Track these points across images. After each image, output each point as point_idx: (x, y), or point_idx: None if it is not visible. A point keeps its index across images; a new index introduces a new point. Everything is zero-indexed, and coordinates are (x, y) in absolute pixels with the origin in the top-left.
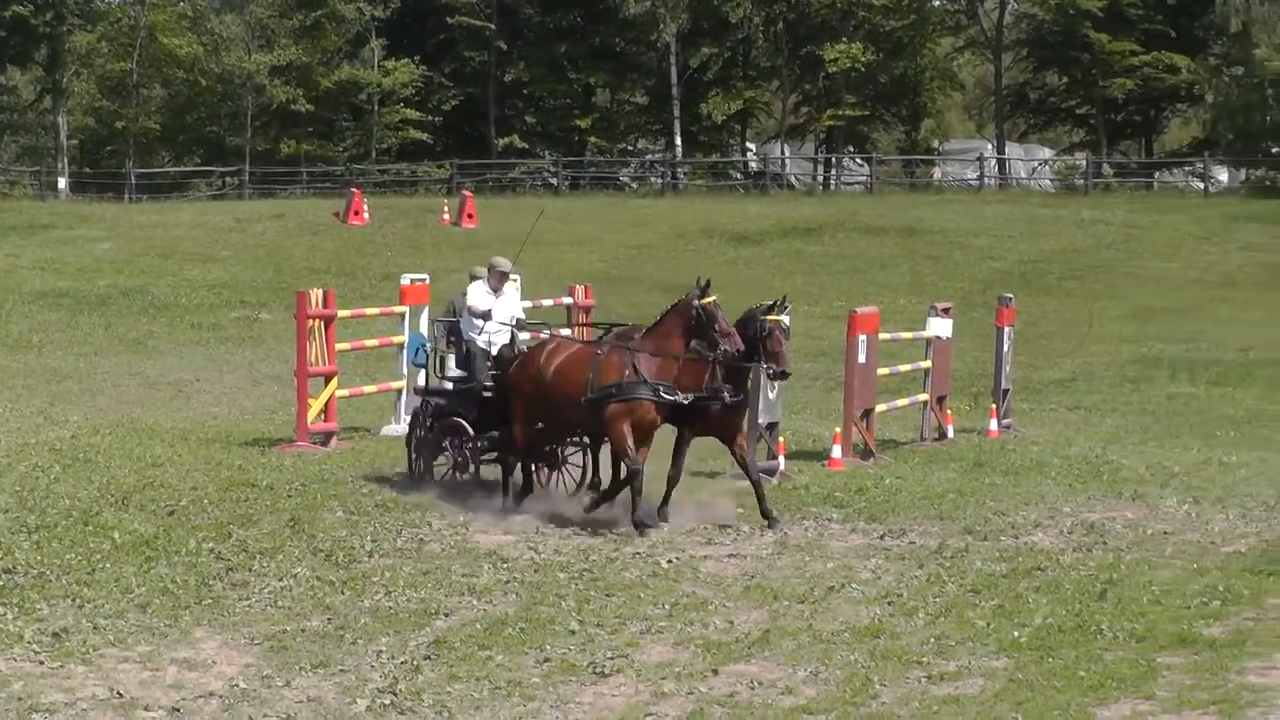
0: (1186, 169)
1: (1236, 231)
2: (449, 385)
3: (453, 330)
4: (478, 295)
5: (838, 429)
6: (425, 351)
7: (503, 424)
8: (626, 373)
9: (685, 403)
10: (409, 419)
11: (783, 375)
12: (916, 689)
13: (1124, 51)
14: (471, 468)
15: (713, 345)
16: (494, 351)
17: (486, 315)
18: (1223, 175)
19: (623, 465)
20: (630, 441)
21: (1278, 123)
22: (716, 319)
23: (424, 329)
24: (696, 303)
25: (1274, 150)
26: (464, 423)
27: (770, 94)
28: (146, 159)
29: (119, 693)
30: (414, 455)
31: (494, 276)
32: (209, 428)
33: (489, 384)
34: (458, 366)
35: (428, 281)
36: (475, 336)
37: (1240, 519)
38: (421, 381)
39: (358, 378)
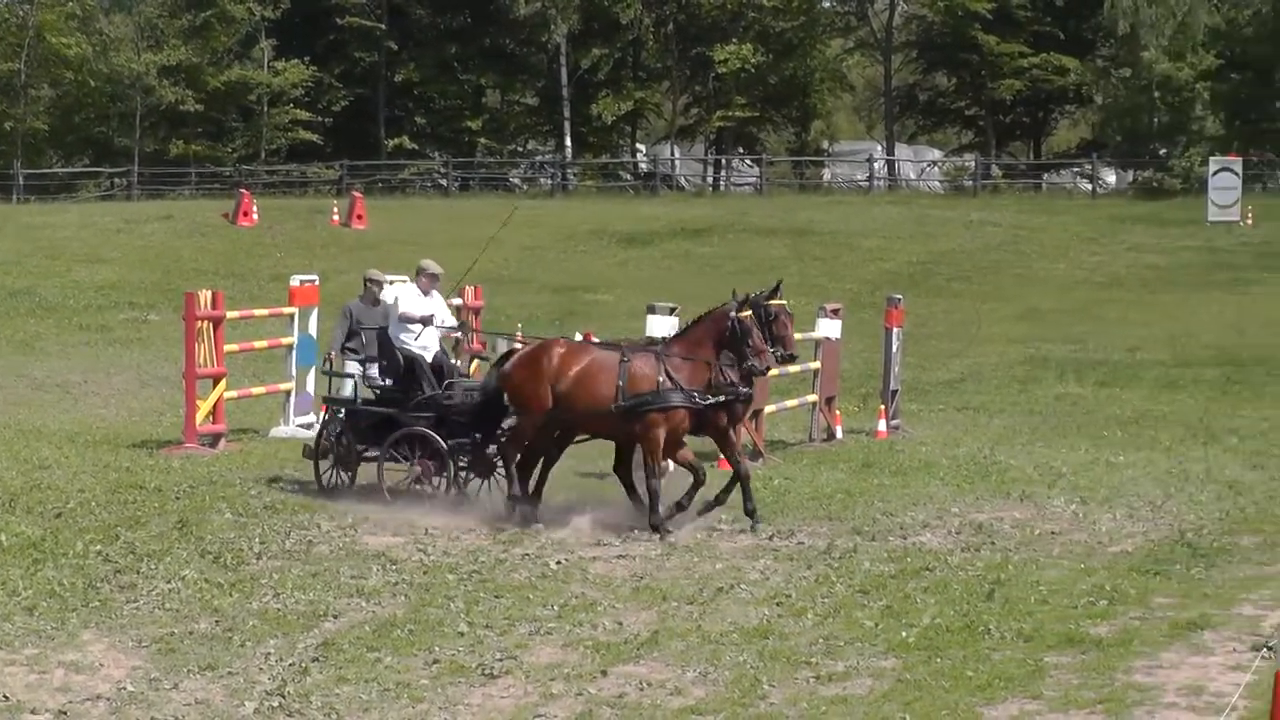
0: (1074, 170)
1: (1124, 233)
2: (372, 394)
3: (350, 337)
4: (413, 301)
5: None
6: (330, 361)
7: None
8: (661, 380)
9: (716, 404)
10: (318, 429)
11: (790, 358)
12: (805, 689)
13: (1013, 53)
14: (443, 478)
15: (742, 359)
16: (429, 358)
17: (428, 320)
18: (1110, 177)
19: (647, 471)
20: (661, 451)
21: (1165, 124)
22: (752, 334)
23: (314, 331)
24: (734, 315)
25: (1161, 152)
26: (432, 433)
27: (660, 95)
28: (34, 159)
29: (5, 696)
30: (331, 467)
31: (424, 279)
32: (97, 430)
33: (441, 392)
34: (386, 375)
35: (317, 283)
36: (410, 343)
37: (1127, 519)
38: (315, 388)
39: (246, 379)
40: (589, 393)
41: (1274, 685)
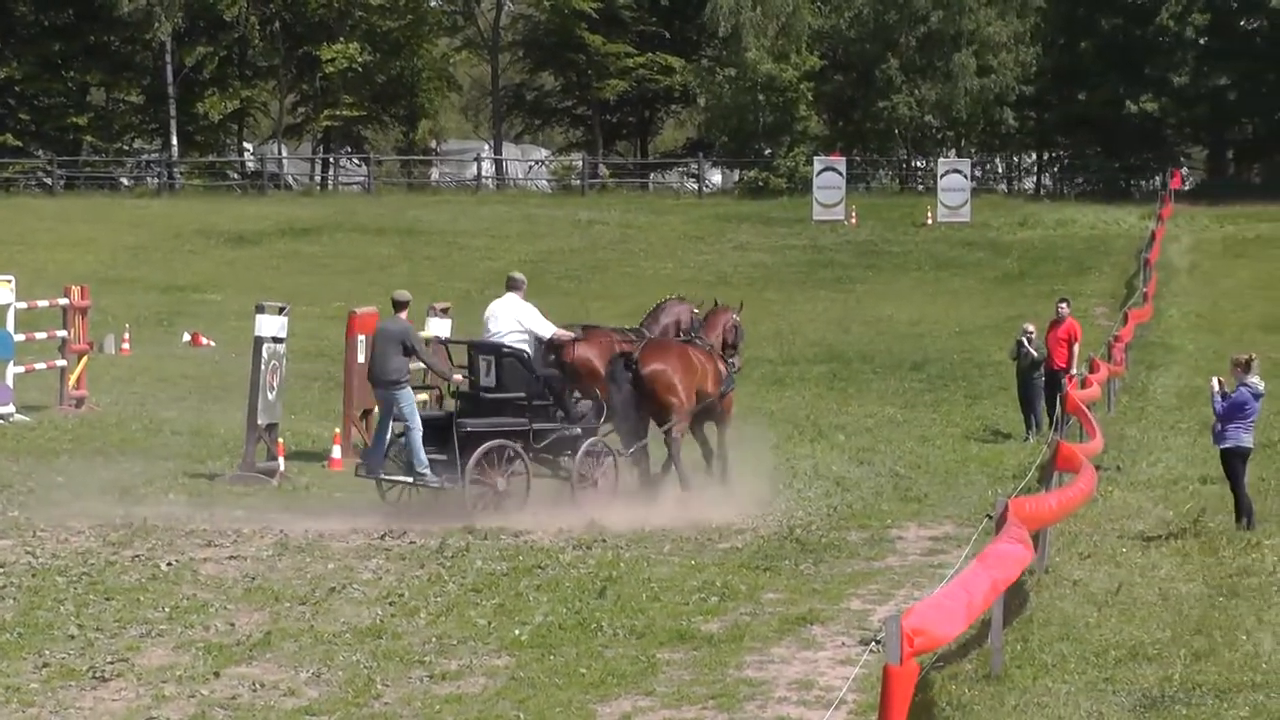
0: (681, 170)
1: (730, 232)
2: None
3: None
4: (542, 319)
5: (337, 429)
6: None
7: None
8: (724, 367)
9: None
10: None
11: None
12: (419, 688)
13: (619, 53)
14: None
15: (731, 355)
16: None
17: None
18: (716, 176)
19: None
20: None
21: (770, 124)
22: (742, 338)
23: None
24: (735, 317)
25: (766, 152)
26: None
27: (267, 93)
28: None
29: None
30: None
31: (524, 290)
32: None
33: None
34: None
35: None
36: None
37: (736, 515)
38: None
39: None
40: (714, 382)
41: (882, 679)
